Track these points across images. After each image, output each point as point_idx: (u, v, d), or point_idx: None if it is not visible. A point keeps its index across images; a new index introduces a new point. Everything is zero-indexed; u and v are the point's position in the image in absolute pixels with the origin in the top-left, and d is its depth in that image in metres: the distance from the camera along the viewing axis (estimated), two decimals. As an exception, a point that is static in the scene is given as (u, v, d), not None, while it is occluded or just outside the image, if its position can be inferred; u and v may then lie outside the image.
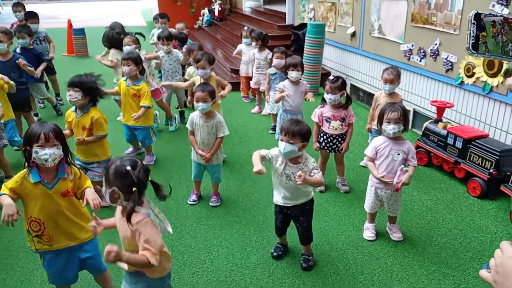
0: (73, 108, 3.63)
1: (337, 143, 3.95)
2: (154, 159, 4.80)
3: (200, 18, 13.54)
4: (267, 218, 3.63)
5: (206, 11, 13.33)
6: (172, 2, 13.57)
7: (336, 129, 3.91)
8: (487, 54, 0.97)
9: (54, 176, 2.38)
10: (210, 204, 3.91)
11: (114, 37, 5.50)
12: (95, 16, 20.32)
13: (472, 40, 0.98)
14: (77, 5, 27.02)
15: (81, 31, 10.73)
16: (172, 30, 6.67)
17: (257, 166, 2.77)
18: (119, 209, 2.13)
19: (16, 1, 11.42)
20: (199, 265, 3.11)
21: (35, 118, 5.63)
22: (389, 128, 3.11)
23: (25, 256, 3.21)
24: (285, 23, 9.40)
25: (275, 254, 3.17)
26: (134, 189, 1.99)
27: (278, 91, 4.59)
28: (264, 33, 6.48)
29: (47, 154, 2.27)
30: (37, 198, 2.33)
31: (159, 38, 5.78)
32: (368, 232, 3.42)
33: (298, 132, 2.73)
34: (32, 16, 6.31)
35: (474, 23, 0.97)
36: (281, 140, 2.79)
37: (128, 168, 2.00)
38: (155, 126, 5.31)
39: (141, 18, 18.95)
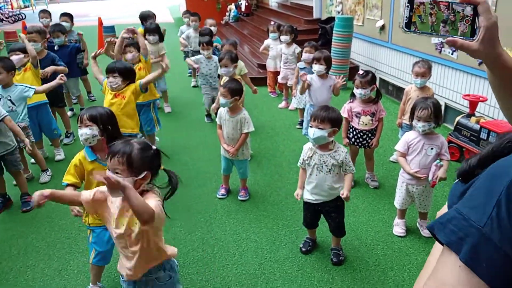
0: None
1: (367, 138, 3.91)
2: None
3: (227, 14, 13.60)
4: (295, 212, 3.65)
5: (232, 6, 13.38)
6: (199, -1, 13.68)
7: (366, 124, 3.88)
8: (418, 32, 1.07)
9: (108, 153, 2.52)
10: (239, 198, 3.95)
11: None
12: (124, 13, 20.66)
13: (406, 20, 1.08)
14: (106, 3, 27.56)
15: (111, 29, 10.93)
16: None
17: (298, 190, 2.97)
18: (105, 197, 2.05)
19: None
20: (228, 258, 3.15)
21: (69, 113, 5.80)
22: (419, 125, 3.06)
23: (62, 246, 3.34)
24: (312, 17, 9.34)
25: (304, 249, 3.18)
26: (162, 167, 2.00)
27: (302, 80, 4.51)
28: (294, 27, 6.45)
29: (80, 133, 2.52)
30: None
31: (200, 43, 5.77)
32: (398, 228, 3.38)
33: (327, 117, 2.73)
34: (65, 15, 6.47)
35: (407, 6, 1.08)
36: (311, 127, 2.78)
37: (155, 147, 1.99)
38: None
39: (168, 14, 19.16)
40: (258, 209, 3.77)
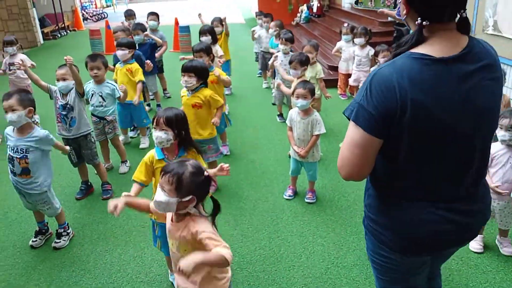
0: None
1: None
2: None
3: (298, 14, 13.58)
4: (364, 219, 3.57)
5: (304, 7, 13.33)
6: (271, 0, 13.79)
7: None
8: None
9: (176, 154, 2.67)
10: (306, 200, 3.94)
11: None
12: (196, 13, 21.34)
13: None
14: (181, 3, 28.62)
15: (186, 28, 11.35)
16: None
17: None
18: (168, 214, 2.11)
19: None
20: (295, 259, 3.16)
21: (147, 108, 6.12)
22: (500, 134, 2.88)
23: (138, 234, 3.54)
24: (387, 19, 9.05)
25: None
26: (210, 193, 1.98)
27: None
28: (369, 29, 6.32)
29: (154, 135, 2.62)
30: None
31: (281, 38, 5.84)
32: (475, 243, 3.20)
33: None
34: (153, 14, 6.82)
35: None
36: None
37: (206, 174, 1.95)
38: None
39: (239, 15, 19.52)
40: (326, 213, 3.74)
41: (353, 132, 1.49)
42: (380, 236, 1.67)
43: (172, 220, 2.05)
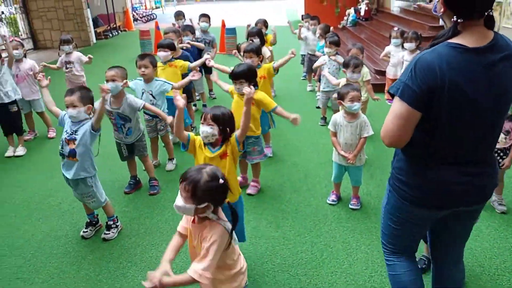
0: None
1: (498, 158, 3.58)
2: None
3: (345, 18, 13.44)
4: (410, 228, 3.48)
5: (351, 10, 13.19)
6: (318, 2, 13.73)
7: (498, 142, 3.55)
8: None
9: (218, 146, 2.81)
10: (350, 206, 3.89)
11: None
12: (243, 15, 21.54)
13: None
14: (228, 5, 29.01)
15: (232, 31, 11.50)
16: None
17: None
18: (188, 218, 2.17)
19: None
20: (337, 265, 3.13)
21: (194, 108, 6.26)
22: None
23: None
24: (439, 24, 8.79)
25: (418, 266, 3.02)
26: (227, 200, 2.02)
27: None
28: (419, 33, 6.16)
29: (201, 130, 2.72)
30: (201, 156, 2.82)
31: (326, 41, 5.85)
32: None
33: None
34: (205, 16, 6.98)
35: None
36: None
37: (222, 181, 1.98)
38: None
39: (284, 17, 19.54)
40: (370, 221, 3.68)
41: (398, 107, 1.84)
42: (404, 194, 2.03)
43: (193, 221, 2.13)
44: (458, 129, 1.83)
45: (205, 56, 4.79)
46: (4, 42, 5.48)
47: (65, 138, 3.28)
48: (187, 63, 5.12)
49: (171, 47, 4.95)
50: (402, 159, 2.04)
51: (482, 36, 1.77)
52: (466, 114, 1.78)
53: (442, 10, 1.85)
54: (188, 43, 6.00)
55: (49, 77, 3.65)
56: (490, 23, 1.79)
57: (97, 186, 3.47)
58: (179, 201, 2.00)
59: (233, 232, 2.13)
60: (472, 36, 1.76)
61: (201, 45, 6.41)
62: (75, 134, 3.26)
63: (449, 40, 1.78)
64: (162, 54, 4.87)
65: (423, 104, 1.78)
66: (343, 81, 4.85)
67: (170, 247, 2.24)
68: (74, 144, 3.26)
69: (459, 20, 1.76)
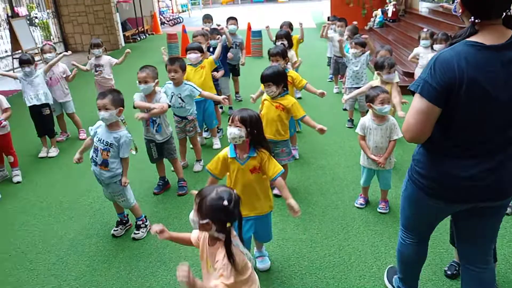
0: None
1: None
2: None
3: (372, 19, 13.29)
4: (441, 233, 3.41)
5: (378, 12, 13.03)
6: (344, 4, 13.63)
7: None
8: None
9: (247, 153, 2.78)
10: (378, 210, 3.85)
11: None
12: (268, 18, 21.58)
13: None
14: (253, 8, 29.12)
15: (258, 33, 11.53)
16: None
17: None
18: (205, 235, 2.15)
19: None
20: (366, 269, 3.10)
21: (220, 110, 6.30)
22: None
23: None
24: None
25: (449, 272, 2.97)
26: (228, 224, 1.98)
27: None
28: (449, 34, 6.04)
29: (228, 131, 2.73)
30: (233, 171, 2.82)
31: (351, 42, 5.84)
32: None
33: None
34: (232, 19, 7.04)
35: None
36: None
37: (226, 203, 1.95)
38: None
39: (310, 19, 19.47)
40: (399, 224, 3.61)
41: (418, 103, 1.92)
42: (421, 185, 2.13)
43: (208, 243, 2.11)
44: (476, 124, 1.90)
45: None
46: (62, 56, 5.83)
47: (100, 148, 3.37)
48: (211, 57, 5.23)
49: (200, 49, 5.02)
50: (421, 152, 2.13)
51: (501, 34, 1.83)
52: (484, 109, 1.86)
53: (460, 11, 1.93)
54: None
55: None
56: (508, 22, 1.86)
57: (127, 187, 3.56)
58: (191, 213, 2.05)
59: (246, 250, 2.09)
60: (490, 35, 1.83)
61: (230, 38, 6.43)
62: (110, 146, 3.36)
63: (468, 39, 1.86)
64: (193, 56, 4.95)
65: (443, 100, 1.87)
66: (373, 82, 4.80)
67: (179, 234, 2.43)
68: (108, 155, 3.36)
69: (476, 21, 1.84)
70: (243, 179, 2.82)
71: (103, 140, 3.37)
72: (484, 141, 1.94)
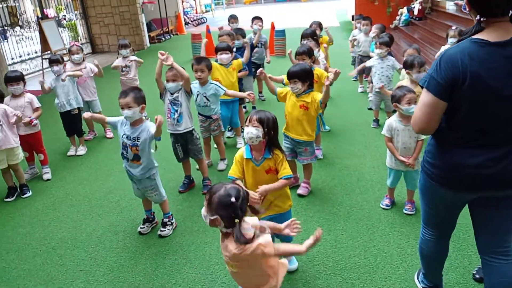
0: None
1: None
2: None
3: (397, 17, 13.10)
4: (469, 236, 3.35)
5: (404, 10, 12.82)
6: (369, 2, 13.47)
7: None
8: None
9: (262, 155, 2.83)
10: (404, 211, 3.79)
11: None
12: (291, 17, 21.50)
13: None
14: (276, 7, 29.09)
15: (281, 33, 11.50)
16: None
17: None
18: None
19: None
20: (392, 270, 3.06)
21: (244, 110, 6.34)
22: None
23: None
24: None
25: (477, 276, 2.91)
26: (236, 220, 2.04)
27: None
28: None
29: (246, 131, 2.76)
30: (249, 172, 2.86)
31: (376, 42, 5.78)
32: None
33: None
34: (257, 18, 7.05)
35: None
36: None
37: (233, 200, 2.03)
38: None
39: (334, 18, 19.32)
40: (425, 225, 3.56)
41: (425, 97, 2.04)
42: (431, 175, 2.22)
43: (221, 240, 2.22)
44: (481, 117, 1.99)
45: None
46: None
47: (129, 144, 3.44)
48: (239, 59, 5.27)
49: (230, 49, 5.07)
50: (432, 143, 2.23)
51: (506, 31, 1.91)
52: (488, 103, 1.94)
53: (467, 9, 2.04)
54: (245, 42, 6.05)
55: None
56: None
57: (158, 180, 3.64)
58: (203, 209, 2.14)
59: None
60: (495, 32, 1.91)
61: (257, 39, 6.48)
62: (137, 141, 3.42)
63: (473, 36, 1.95)
64: (224, 57, 4.99)
65: (447, 94, 1.98)
66: (402, 82, 4.73)
67: None
68: (137, 150, 3.43)
69: (482, 19, 1.95)
70: (259, 179, 2.85)
71: (130, 137, 3.43)
72: (489, 133, 2.01)
